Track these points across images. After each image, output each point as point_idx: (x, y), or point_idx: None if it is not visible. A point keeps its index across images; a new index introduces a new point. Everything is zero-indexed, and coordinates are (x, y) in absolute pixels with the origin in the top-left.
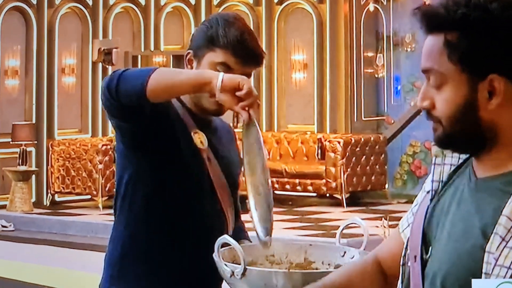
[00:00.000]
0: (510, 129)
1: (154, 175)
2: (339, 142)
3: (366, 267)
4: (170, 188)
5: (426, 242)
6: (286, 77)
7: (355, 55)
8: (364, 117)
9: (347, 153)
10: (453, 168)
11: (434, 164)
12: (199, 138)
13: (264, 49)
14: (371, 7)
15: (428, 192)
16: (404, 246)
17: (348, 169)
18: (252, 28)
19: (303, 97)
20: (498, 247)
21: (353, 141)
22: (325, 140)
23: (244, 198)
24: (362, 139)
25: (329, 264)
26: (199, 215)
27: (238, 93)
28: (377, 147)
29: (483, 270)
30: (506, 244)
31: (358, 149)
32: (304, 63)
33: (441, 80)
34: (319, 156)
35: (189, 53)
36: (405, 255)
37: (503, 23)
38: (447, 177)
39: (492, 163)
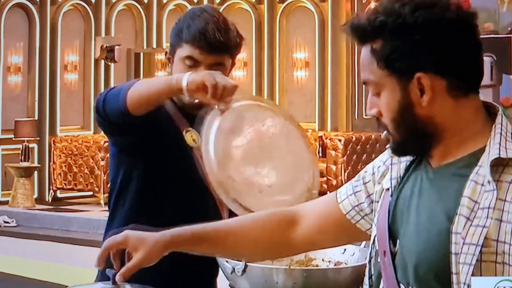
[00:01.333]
0: (449, 119)
1: (146, 174)
2: (340, 140)
3: (265, 221)
4: (162, 186)
5: (393, 237)
6: (288, 75)
7: (356, 54)
8: (365, 115)
9: (348, 151)
10: (408, 163)
11: (391, 164)
12: (192, 137)
13: (266, 47)
14: (372, 5)
15: (387, 189)
16: (371, 242)
17: (349, 167)
18: (254, 25)
19: (304, 95)
20: (464, 226)
21: (354, 139)
22: (326, 138)
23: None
24: (363, 137)
25: (329, 261)
26: (191, 212)
27: (207, 97)
28: (378, 145)
29: (452, 251)
30: (472, 223)
31: (359, 147)
32: (306, 61)
33: (377, 88)
34: (320, 154)
35: (166, 52)
36: (371, 251)
37: (414, 24)
38: (404, 172)
39: (443, 153)
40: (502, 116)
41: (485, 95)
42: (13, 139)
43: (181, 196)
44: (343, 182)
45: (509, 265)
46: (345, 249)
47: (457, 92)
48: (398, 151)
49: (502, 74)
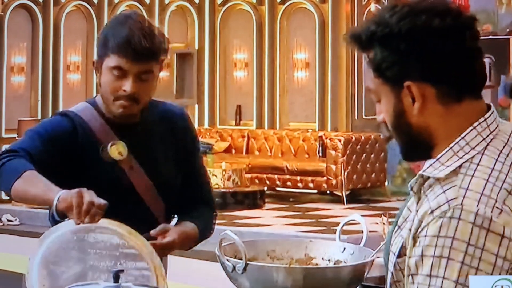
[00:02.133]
0: (441, 127)
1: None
2: (340, 140)
3: None
4: None
5: None
6: (288, 75)
7: (356, 54)
8: (365, 116)
9: (348, 151)
10: None
11: None
12: (117, 149)
13: (266, 48)
14: (372, 7)
15: None
16: None
17: (349, 167)
18: (255, 26)
19: (304, 96)
20: (394, 234)
21: (353, 139)
22: (326, 138)
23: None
24: (363, 137)
25: (329, 260)
26: (128, 224)
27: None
28: (377, 145)
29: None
30: (400, 233)
31: (358, 147)
32: (306, 62)
33: (377, 95)
34: (320, 154)
35: (94, 62)
36: None
37: (401, 33)
38: None
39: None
40: (474, 128)
41: (483, 96)
42: (17, 138)
43: (115, 209)
44: (343, 181)
45: (406, 275)
46: (344, 248)
47: (448, 99)
48: (404, 156)
49: (501, 75)
